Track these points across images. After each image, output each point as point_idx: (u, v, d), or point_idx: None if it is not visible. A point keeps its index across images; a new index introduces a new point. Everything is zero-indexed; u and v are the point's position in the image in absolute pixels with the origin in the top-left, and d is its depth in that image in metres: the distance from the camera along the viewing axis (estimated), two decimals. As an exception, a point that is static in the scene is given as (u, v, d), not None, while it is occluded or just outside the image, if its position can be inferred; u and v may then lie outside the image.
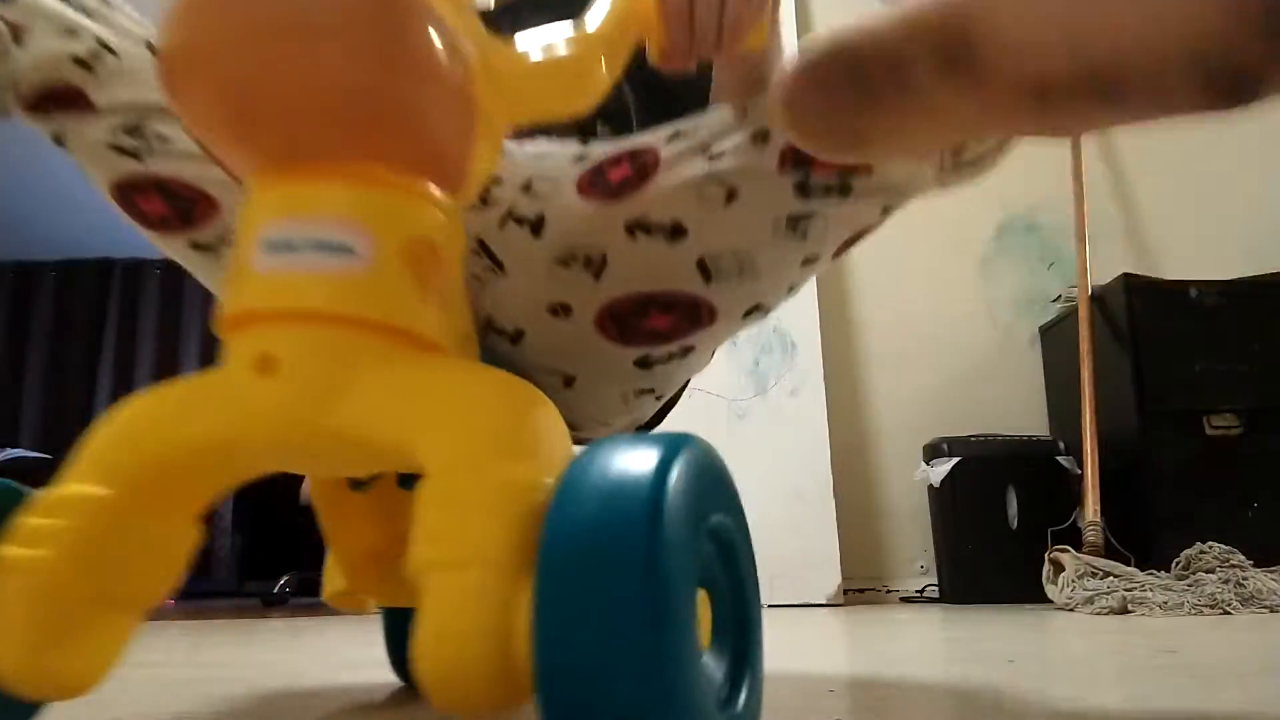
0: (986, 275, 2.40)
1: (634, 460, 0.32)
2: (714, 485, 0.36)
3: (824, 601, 1.99)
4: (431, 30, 0.39)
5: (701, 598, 0.35)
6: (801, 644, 1.08)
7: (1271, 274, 2.01)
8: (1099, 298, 2.04)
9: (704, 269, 0.57)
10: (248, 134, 0.39)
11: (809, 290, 2.27)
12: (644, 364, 0.62)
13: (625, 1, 0.52)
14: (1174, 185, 2.43)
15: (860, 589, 2.14)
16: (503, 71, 0.45)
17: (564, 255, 0.57)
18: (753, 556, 0.42)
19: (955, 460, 1.96)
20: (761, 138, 0.54)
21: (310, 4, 0.37)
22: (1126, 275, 1.99)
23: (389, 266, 0.38)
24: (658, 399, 0.68)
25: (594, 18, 0.50)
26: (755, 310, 0.62)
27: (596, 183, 0.56)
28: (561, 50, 0.48)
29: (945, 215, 2.44)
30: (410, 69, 0.39)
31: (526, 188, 0.58)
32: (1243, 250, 2.31)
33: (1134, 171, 2.44)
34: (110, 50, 0.58)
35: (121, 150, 0.58)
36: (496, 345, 0.62)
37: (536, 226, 0.58)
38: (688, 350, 0.63)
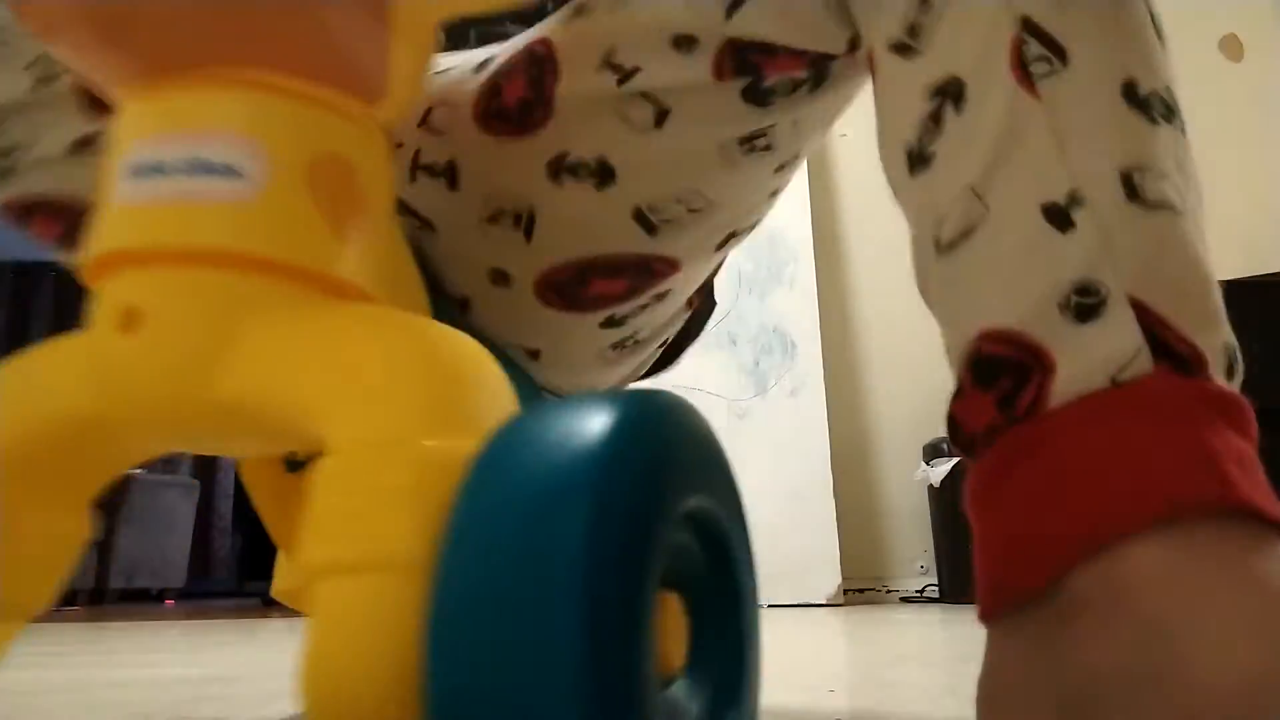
0: (986, 275, 2.40)
1: (574, 426, 0.24)
2: (691, 458, 0.28)
3: (824, 601, 1.99)
4: None
5: (672, 605, 0.28)
6: (801, 644, 1.08)
7: (1272, 274, 2.01)
8: (1099, 298, 2.05)
9: (644, 221, 0.47)
10: (111, 39, 0.30)
11: (809, 290, 2.27)
12: (612, 323, 0.54)
13: None
14: (1174, 185, 2.43)
15: (860, 589, 2.14)
16: None
17: (490, 211, 0.48)
18: (750, 552, 0.35)
19: (955, 460, 1.96)
20: (686, 42, 0.41)
21: None
22: (1126, 275, 1.99)
23: (287, 192, 0.29)
24: (649, 342, 0.59)
25: None
26: (730, 239, 0.53)
27: (494, 111, 0.45)
28: None
29: (945, 215, 2.44)
30: None
31: (425, 122, 0.48)
32: (1243, 250, 2.31)
33: (1134, 171, 2.44)
34: None
35: None
36: (449, 313, 0.52)
37: (450, 176, 0.48)
38: (661, 296, 0.54)
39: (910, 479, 2.10)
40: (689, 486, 0.27)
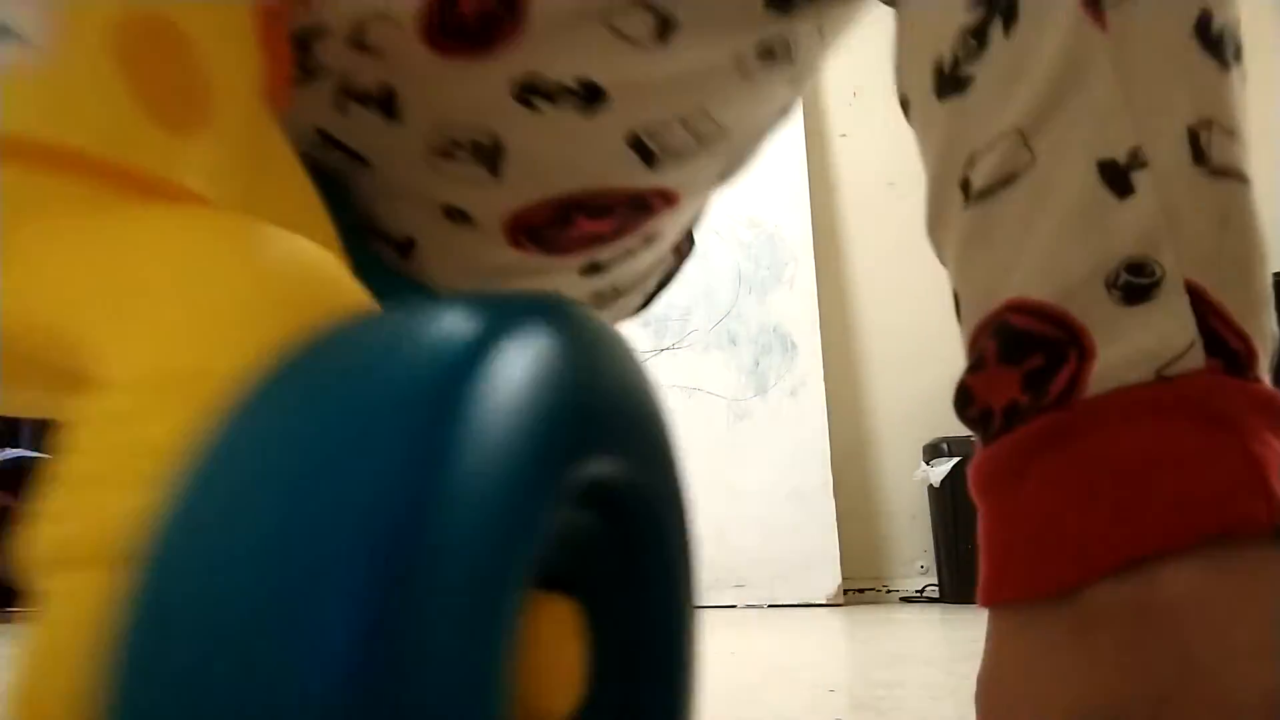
0: (986, 275, 2.40)
1: (408, 338, 0.17)
2: (601, 403, 0.20)
3: (824, 601, 1.99)
4: None
5: (560, 615, 0.20)
6: (801, 644, 1.08)
7: (1272, 274, 2.01)
8: (1099, 298, 2.04)
9: (641, 149, 0.40)
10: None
11: (809, 290, 2.28)
12: (593, 269, 0.47)
13: None
14: (1174, 185, 2.43)
15: (860, 589, 2.14)
16: None
17: (441, 144, 0.40)
18: (687, 537, 0.27)
19: (955, 460, 1.96)
20: None
21: None
22: (1126, 275, 1.99)
23: (89, 62, 0.22)
24: (629, 292, 0.53)
25: None
26: (735, 166, 0.47)
27: (448, 25, 0.35)
28: None
29: (945, 215, 2.44)
30: None
31: (356, 40, 0.37)
32: (1243, 250, 2.31)
33: (1134, 171, 2.44)
34: None
35: None
36: (383, 255, 0.45)
37: (387, 104, 0.39)
38: (650, 238, 0.47)
39: (910, 479, 2.10)
40: (593, 443, 0.19)
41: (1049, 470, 0.26)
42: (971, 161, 0.29)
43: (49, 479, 0.18)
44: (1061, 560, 0.25)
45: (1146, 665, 0.24)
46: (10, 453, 4.50)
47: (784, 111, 0.46)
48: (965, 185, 0.29)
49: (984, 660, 0.28)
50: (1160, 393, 0.25)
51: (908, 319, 2.38)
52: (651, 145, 0.40)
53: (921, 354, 2.35)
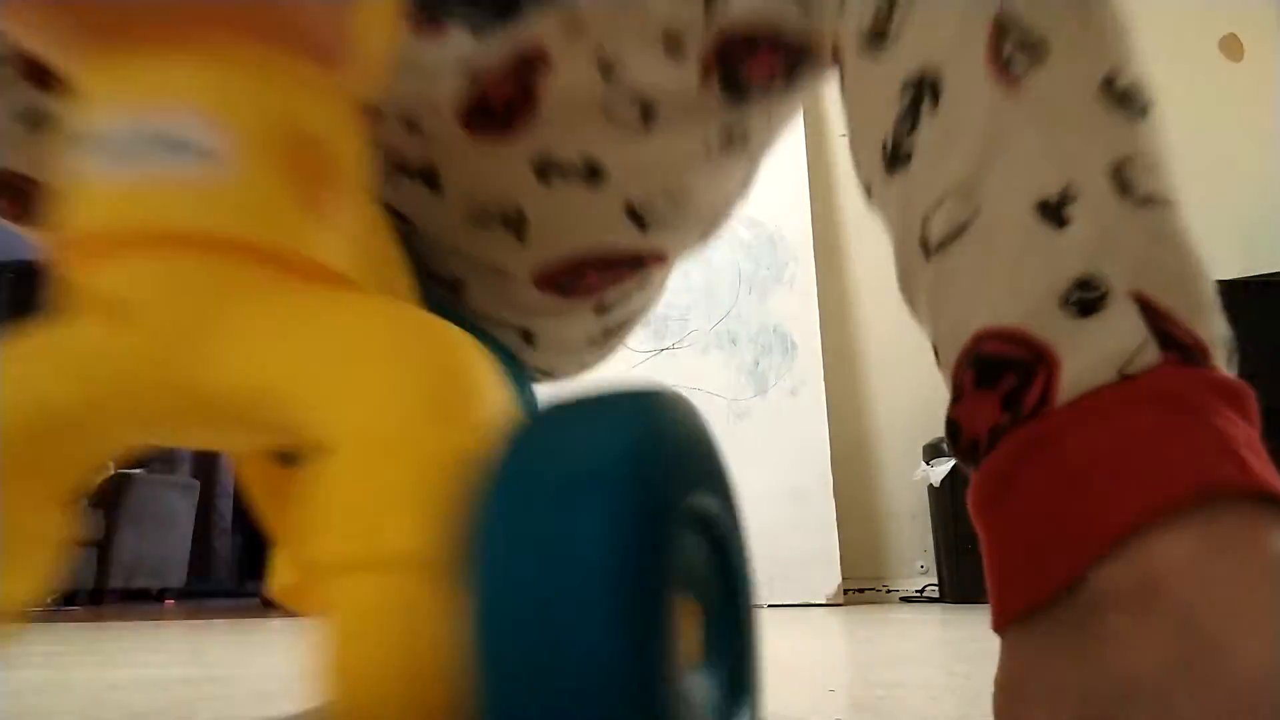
0: (986, 275, 2.41)
1: (593, 424, 0.25)
2: (695, 457, 0.27)
3: (824, 601, 1.99)
4: None
5: (688, 607, 0.28)
6: (801, 644, 1.08)
7: (1272, 274, 2.01)
8: (1099, 298, 2.05)
9: (636, 217, 0.48)
10: (56, 4, 0.27)
11: (809, 290, 2.28)
12: (602, 309, 0.57)
13: None
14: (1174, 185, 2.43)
15: (860, 589, 2.14)
16: None
17: (476, 214, 0.48)
18: (746, 549, 0.34)
19: (955, 460, 1.96)
20: (673, 43, 0.41)
21: None
22: (1126, 275, 1.99)
23: (258, 169, 0.27)
24: (630, 323, 0.64)
25: None
26: (712, 229, 0.55)
27: (479, 111, 0.44)
28: None
29: (945, 215, 2.45)
30: None
31: (408, 122, 0.45)
32: (1243, 250, 2.31)
33: (1134, 171, 2.44)
34: None
35: None
36: (437, 294, 0.53)
37: (430, 178, 0.48)
38: (645, 284, 0.57)
39: (910, 479, 2.10)
40: (694, 485, 0.27)
41: (1032, 480, 0.28)
42: (926, 222, 0.33)
43: (317, 509, 0.24)
44: (1055, 557, 0.27)
45: (1153, 635, 0.25)
46: (10, 453, 4.46)
47: (744, 186, 0.54)
48: (924, 243, 0.33)
49: (999, 672, 0.30)
50: (1125, 389, 0.27)
51: (908, 319, 2.36)
52: (643, 214, 0.49)
53: (921, 354, 2.34)
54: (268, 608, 2.94)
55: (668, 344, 2.25)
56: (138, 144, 0.26)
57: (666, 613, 0.23)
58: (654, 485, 0.23)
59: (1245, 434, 0.27)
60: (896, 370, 2.33)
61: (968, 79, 0.31)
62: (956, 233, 0.31)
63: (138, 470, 4.23)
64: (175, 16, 0.27)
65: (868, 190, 0.38)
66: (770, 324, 2.25)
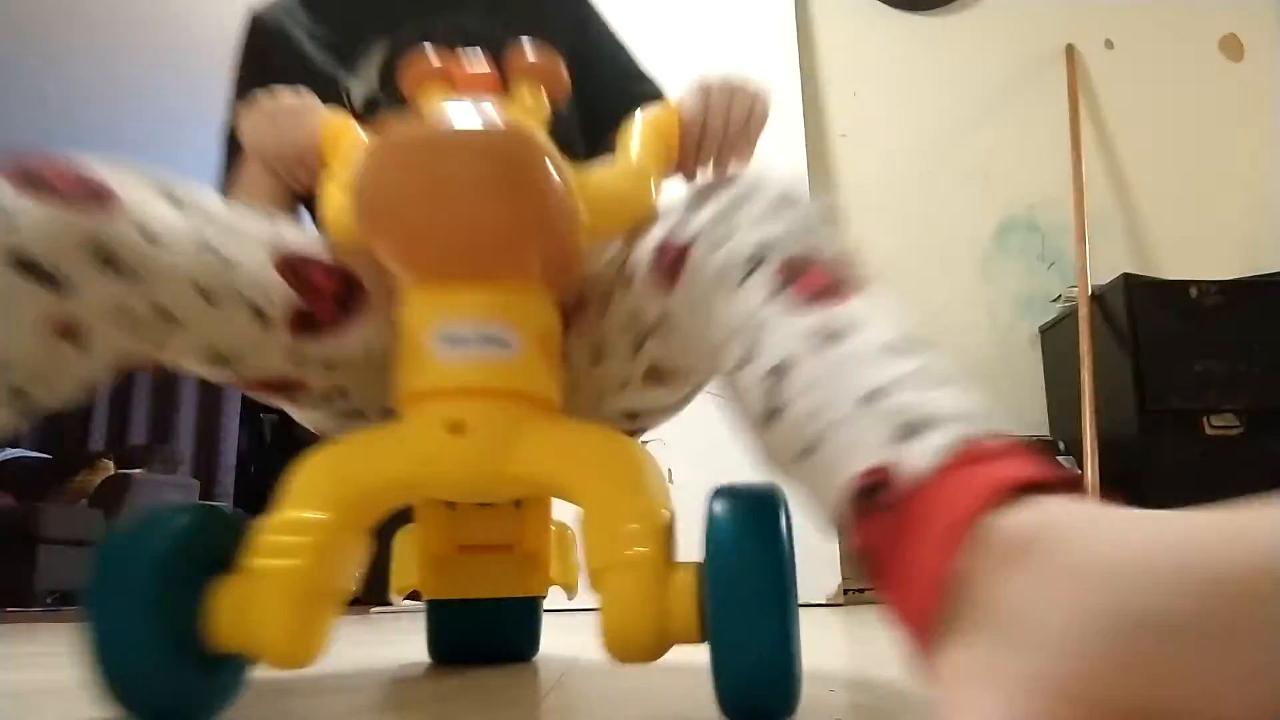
0: (986, 275, 2.40)
1: (758, 499, 0.51)
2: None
3: (824, 601, 1.99)
4: (550, 176, 0.52)
5: None
6: (802, 644, 1.08)
7: (1271, 274, 2.01)
8: (1099, 298, 2.05)
9: (630, 417, 0.74)
10: (426, 258, 0.53)
11: (809, 290, 2.28)
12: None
13: (656, 127, 0.66)
14: (1174, 185, 2.43)
15: (860, 589, 2.14)
16: (585, 196, 0.56)
17: (593, 402, 0.70)
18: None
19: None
20: (657, 375, 0.67)
21: (468, 167, 0.50)
22: (1126, 275, 1.99)
23: (531, 353, 0.53)
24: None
25: (633, 143, 0.64)
26: (676, 412, 0.77)
27: (659, 262, 0.56)
28: (621, 179, 0.61)
29: (945, 215, 2.44)
30: (538, 210, 0.53)
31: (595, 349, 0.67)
32: (1243, 250, 2.31)
33: (1134, 171, 2.44)
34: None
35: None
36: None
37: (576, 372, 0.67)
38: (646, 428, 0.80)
39: (910, 479, 2.10)
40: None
41: (901, 544, 0.36)
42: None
43: (588, 535, 0.50)
44: (931, 562, 0.33)
45: (1034, 581, 0.30)
46: (10, 452, 4.49)
47: (686, 400, 0.74)
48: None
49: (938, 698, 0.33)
50: (944, 463, 0.36)
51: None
52: (629, 420, 0.72)
53: (921, 354, 2.35)
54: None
55: (668, 344, 2.25)
56: (477, 340, 0.52)
57: (794, 587, 0.49)
58: (790, 536, 0.51)
59: (1041, 460, 0.36)
60: (896, 370, 2.33)
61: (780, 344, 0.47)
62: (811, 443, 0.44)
63: (138, 470, 4.23)
64: (490, 266, 0.53)
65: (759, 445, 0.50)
66: (770, 324, 2.25)
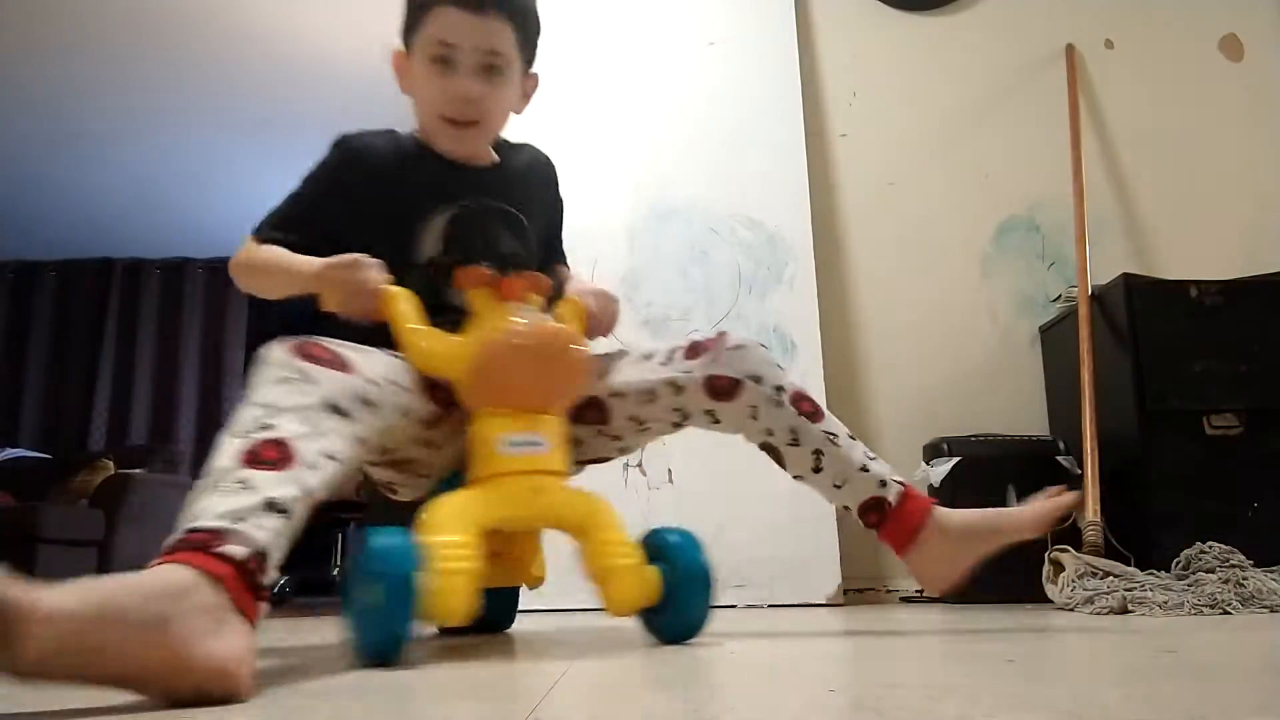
0: (986, 275, 2.41)
1: (684, 534, 1.01)
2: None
3: (824, 601, 1.99)
4: (586, 362, 1.02)
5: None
6: (801, 644, 1.08)
7: (1271, 274, 2.01)
8: (1099, 298, 2.05)
9: (623, 451, 1.23)
10: (511, 401, 0.97)
11: (809, 290, 2.28)
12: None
13: (577, 313, 1.14)
14: (1174, 185, 2.43)
15: (860, 589, 2.14)
16: None
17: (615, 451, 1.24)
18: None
19: (955, 460, 1.96)
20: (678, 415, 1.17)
21: (545, 358, 0.97)
22: (1126, 275, 1.99)
23: (558, 448, 0.98)
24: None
25: (571, 323, 1.11)
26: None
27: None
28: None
29: (945, 215, 2.44)
30: (577, 381, 1.02)
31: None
32: (1243, 250, 2.31)
33: (1134, 171, 2.44)
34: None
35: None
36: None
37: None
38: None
39: (910, 479, 2.09)
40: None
41: (892, 526, 1.14)
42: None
43: (594, 551, 0.97)
44: (907, 532, 1.13)
45: (957, 543, 1.14)
46: (10, 452, 4.48)
47: (676, 425, 1.18)
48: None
49: (918, 569, 1.16)
50: (900, 498, 1.15)
51: (908, 319, 2.38)
52: (624, 451, 1.24)
53: (921, 354, 2.35)
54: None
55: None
56: (529, 444, 0.96)
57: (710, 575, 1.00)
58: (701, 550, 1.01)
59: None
60: (896, 370, 2.33)
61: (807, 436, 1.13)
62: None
63: (138, 470, 4.23)
64: (542, 403, 0.99)
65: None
66: (770, 324, 2.25)
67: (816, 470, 1.11)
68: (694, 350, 1.11)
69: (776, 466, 1.14)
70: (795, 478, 1.14)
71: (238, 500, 0.69)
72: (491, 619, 1.28)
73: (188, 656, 0.58)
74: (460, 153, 1.19)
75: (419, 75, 1.15)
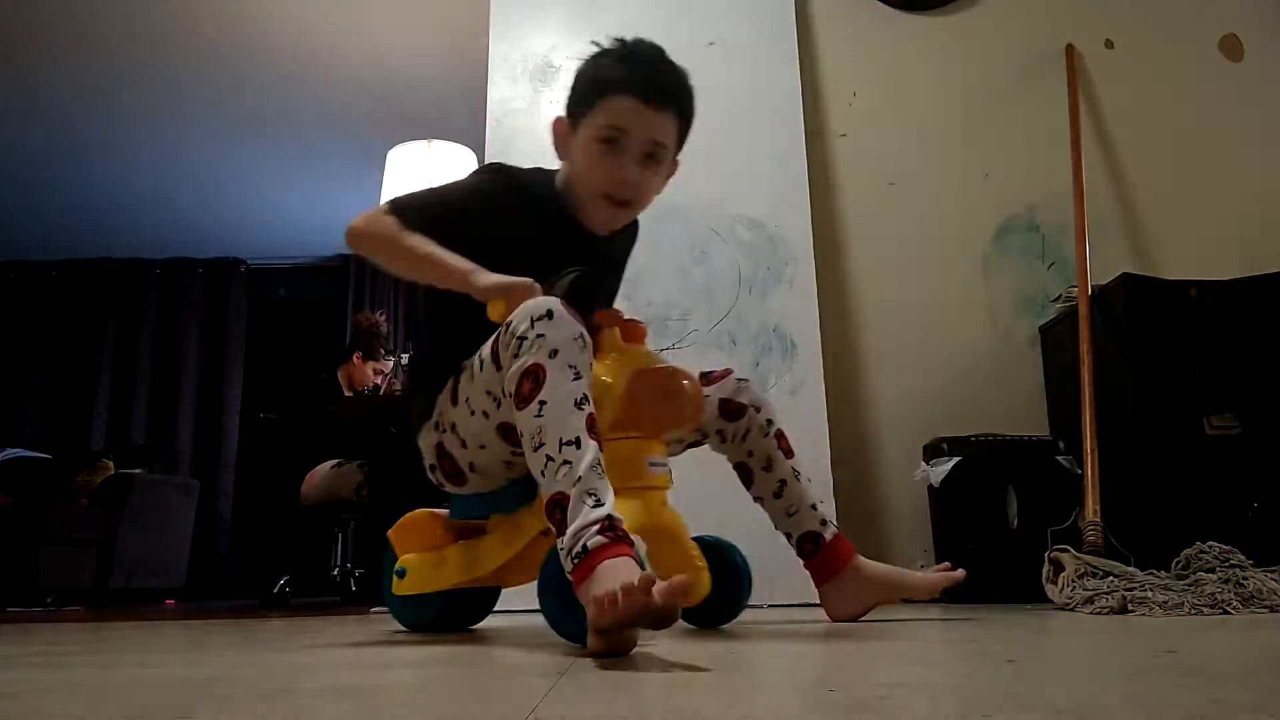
0: (986, 275, 2.41)
1: (727, 544, 1.33)
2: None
3: (824, 601, 1.99)
4: (703, 399, 1.24)
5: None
6: (801, 644, 1.08)
7: (1271, 274, 2.01)
8: (1099, 298, 2.05)
9: None
10: (650, 428, 1.16)
11: (809, 290, 2.28)
12: None
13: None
14: (1174, 185, 2.43)
15: (860, 589, 2.14)
16: None
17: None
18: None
19: (955, 460, 1.96)
20: None
21: (677, 395, 1.14)
22: (1126, 275, 1.99)
23: (670, 470, 1.19)
24: None
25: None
26: None
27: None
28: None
29: (945, 215, 2.44)
30: (696, 414, 1.20)
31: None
32: (1243, 250, 2.31)
33: (1134, 171, 2.44)
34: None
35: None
36: None
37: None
38: None
39: (910, 479, 2.10)
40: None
41: (823, 561, 1.38)
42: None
43: (669, 550, 1.17)
44: (835, 569, 1.38)
45: (866, 586, 1.38)
46: (10, 452, 4.48)
47: None
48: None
49: (829, 606, 1.39)
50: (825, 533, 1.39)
51: (908, 319, 2.38)
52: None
53: (921, 354, 2.35)
54: (268, 608, 2.95)
55: (668, 344, 2.25)
56: (661, 465, 1.17)
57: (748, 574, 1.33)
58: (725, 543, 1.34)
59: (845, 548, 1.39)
60: (896, 370, 2.33)
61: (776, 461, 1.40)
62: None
63: (138, 470, 4.23)
64: (667, 433, 1.21)
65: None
66: (770, 324, 2.25)
67: (777, 496, 1.37)
68: (706, 380, 1.36)
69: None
70: (756, 498, 1.40)
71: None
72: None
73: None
74: (605, 227, 1.32)
75: (583, 149, 1.25)
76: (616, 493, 0.97)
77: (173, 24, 3.56)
